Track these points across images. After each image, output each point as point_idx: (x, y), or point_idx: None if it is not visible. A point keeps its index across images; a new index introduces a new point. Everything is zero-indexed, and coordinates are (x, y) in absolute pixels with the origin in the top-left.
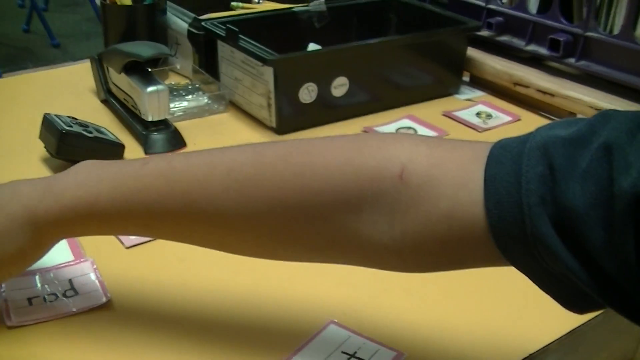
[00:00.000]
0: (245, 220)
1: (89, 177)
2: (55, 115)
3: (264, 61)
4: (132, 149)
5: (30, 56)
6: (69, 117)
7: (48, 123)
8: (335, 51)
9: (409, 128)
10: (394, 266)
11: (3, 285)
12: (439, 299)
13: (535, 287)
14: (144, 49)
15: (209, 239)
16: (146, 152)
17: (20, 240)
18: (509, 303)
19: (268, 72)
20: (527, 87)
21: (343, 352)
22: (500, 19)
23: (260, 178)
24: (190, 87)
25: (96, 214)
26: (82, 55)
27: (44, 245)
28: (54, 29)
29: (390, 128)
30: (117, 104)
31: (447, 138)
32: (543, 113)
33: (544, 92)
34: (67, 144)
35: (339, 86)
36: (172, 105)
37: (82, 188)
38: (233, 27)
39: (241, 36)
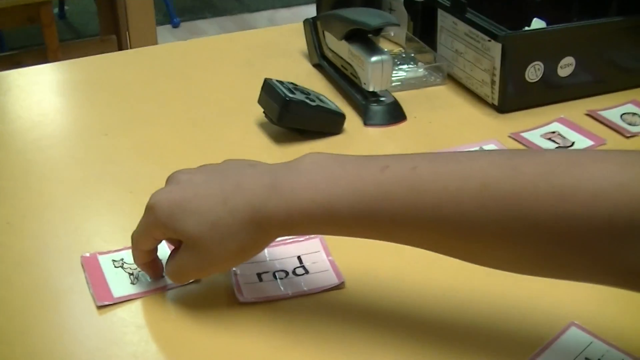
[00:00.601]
0: (499, 238)
1: (323, 177)
2: (277, 81)
3: (494, 36)
4: (350, 119)
5: (207, 7)
6: (290, 83)
7: (269, 88)
8: (565, 30)
9: (634, 114)
10: None
11: None
12: None
13: None
14: (370, 17)
15: (456, 250)
16: (365, 123)
17: (241, 238)
18: None
19: (496, 48)
20: None
21: (586, 359)
22: None
23: (518, 197)
24: (404, 55)
25: (330, 218)
26: (257, 7)
27: (264, 244)
28: None
29: (615, 113)
30: (332, 70)
31: None
32: None
33: None
34: (289, 111)
35: (566, 66)
36: None
37: (317, 191)
38: None
39: (468, 8)
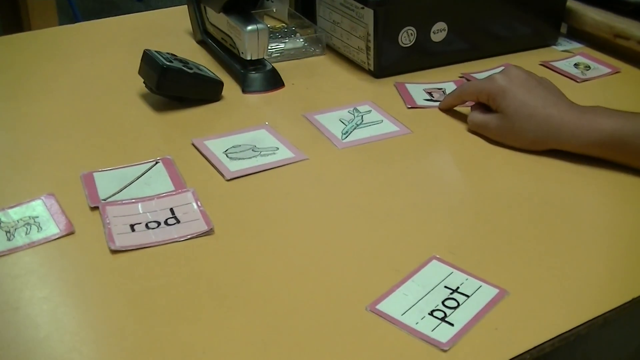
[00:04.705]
0: None
1: None
2: (156, 51)
3: (365, 3)
4: (230, 88)
5: (114, 10)
6: (169, 53)
7: (148, 58)
8: None
9: None
10: None
11: (108, 213)
12: (541, 239)
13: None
14: None
15: None
16: (244, 91)
17: None
18: (613, 247)
19: (368, 15)
20: (628, 39)
21: (446, 287)
22: None
23: None
24: (286, 30)
25: None
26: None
27: None
28: None
29: (488, 75)
30: (214, 44)
31: None
32: None
33: None
34: (167, 79)
35: (438, 31)
36: (269, 47)
37: None
38: None
39: None
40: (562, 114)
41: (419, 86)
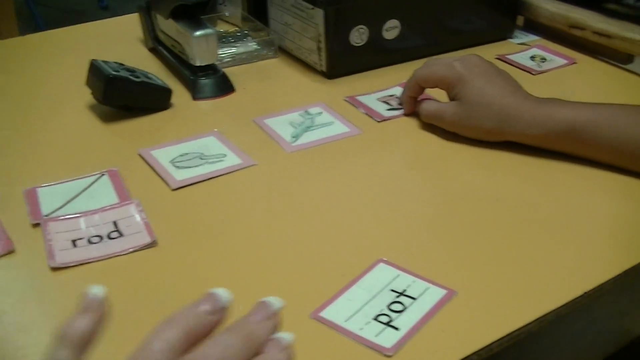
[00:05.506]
0: None
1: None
2: (103, 61)
3: (315, 3)
4: (180, 95)
5: (79, 18)
6: (116, 62)
7: (95, 69)
8: None
9: None
10: None
11: (50, 229)
12: (492, 237)
13: (591, 227)
14: None
15: None
16: (194, 97)
17: None
18: (564, 241)
19: (318, 15)
20: (583, 29)
21: (392, 290)
22: None
23: None
24: (239, 34)
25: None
26: None
27: None
28: None
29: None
30: (165, 52)
31: None
32: (599, 57)
33: (601, 34)
34: (114, 88)
35: (391, 29)
36: (220, 52)
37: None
38: None
39: None
40: (519, 103)
41: (371, 97)
